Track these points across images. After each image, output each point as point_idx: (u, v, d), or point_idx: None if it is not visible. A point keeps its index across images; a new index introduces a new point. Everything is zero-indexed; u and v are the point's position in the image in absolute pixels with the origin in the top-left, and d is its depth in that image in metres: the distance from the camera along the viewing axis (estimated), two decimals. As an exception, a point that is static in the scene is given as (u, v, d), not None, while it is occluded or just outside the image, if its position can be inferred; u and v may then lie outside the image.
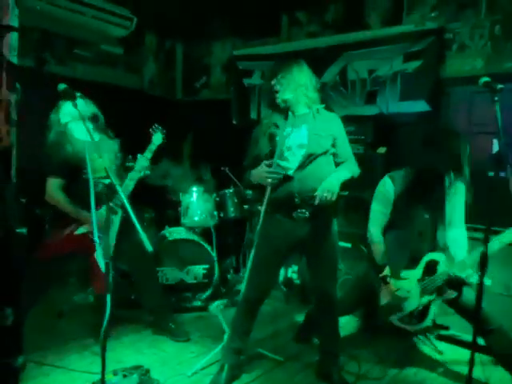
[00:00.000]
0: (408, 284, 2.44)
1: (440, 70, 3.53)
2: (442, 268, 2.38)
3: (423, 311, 2.42)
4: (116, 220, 2.61)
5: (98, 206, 2.52)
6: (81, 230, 2.55)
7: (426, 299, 2.41)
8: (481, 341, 2.30)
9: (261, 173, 2.15)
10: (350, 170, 2.29)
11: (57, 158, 2.50)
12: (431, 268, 2.41)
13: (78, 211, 2.54)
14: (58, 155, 2.49)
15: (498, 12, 3.33)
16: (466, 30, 3.43)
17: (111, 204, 2.48)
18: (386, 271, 2.47)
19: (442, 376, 2.52)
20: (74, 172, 2.51)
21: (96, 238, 1.98)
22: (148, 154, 2.73)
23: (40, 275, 2.51)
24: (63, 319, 3.01)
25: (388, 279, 2.46)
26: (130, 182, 2.65)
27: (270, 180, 2.10)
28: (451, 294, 2.38)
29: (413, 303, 2.43)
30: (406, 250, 2.50)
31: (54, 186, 2.55)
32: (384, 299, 2.49)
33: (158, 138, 2.77)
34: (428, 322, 2.43)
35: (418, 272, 2.44)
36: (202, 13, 4.29)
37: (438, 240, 2.47)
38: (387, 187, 2.48)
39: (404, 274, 2.46)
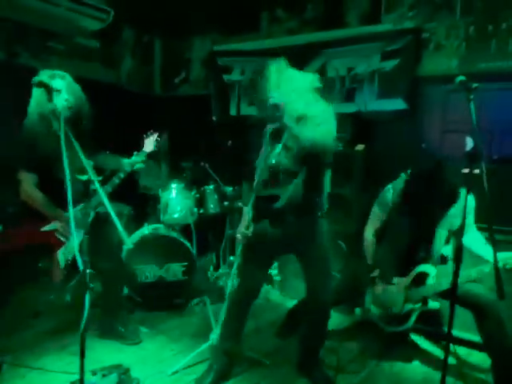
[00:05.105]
0: (395, 289, 2.52)
1: (417, 69, 3.61)
2: (430, 281, 2.43)
3: (404, 317, 2.50)
4: (86, 222, 2.54)
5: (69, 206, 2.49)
6: (50, 227, 2.48)
7: (409, 306, 2.48)
8: (455, 332, 2.37)
9: (239, 226, 2.23)
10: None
11: (32, 153, 2.38)
12: (421, 279, 2.47)
13: (56, 211, 2.46)
14: (34, 149, 2.39)
15: (473, 13, 3.42)
16: (442, 30, 3.52)
17: (85, 204, 2.45)
18: (376, 272, 2.57)
19: (418, 367, 2.58)
20: (47, 169, 2.42)
21: (75, 238, 1.91)
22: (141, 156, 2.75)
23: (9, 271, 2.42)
24: (40, 319, 2.92)
25: (376, 280, 2.56)
26: (116, 180, 2.60)
27: (239, 236, 2.17)
28: (434, 306, 2.44)
29: (395, 308, 2.51)
30: (400, 258, 2.56)
31: (29, 183, 2.44)
32: (369, 297, 2.58)
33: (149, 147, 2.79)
34: (405, 328, 2.51)
35: (407, 280, 2.51)
36: (182, 7, 4.24)
37: (433, 252, 2.49)
38: (387, 194, 2.57)
39: (394, 280, 2.55)
